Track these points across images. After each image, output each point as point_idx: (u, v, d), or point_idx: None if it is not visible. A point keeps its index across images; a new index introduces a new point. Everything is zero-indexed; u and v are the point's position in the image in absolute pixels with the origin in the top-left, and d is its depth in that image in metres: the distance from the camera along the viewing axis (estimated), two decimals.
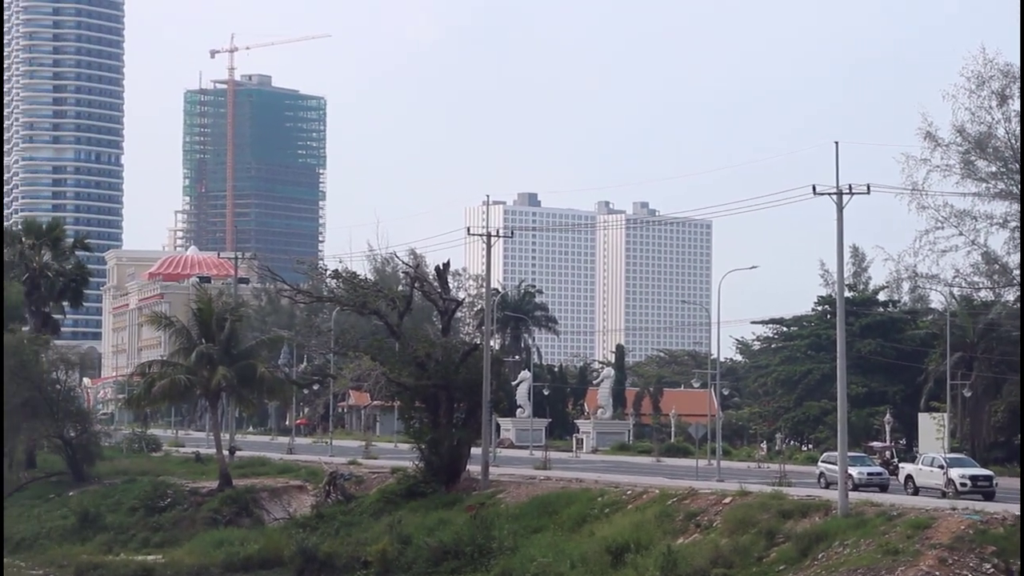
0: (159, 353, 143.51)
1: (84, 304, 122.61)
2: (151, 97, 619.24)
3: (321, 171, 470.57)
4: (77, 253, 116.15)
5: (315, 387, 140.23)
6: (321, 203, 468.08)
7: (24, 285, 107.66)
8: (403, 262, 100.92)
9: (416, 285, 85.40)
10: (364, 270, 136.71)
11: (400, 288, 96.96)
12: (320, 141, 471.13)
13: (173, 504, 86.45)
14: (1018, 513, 53.64)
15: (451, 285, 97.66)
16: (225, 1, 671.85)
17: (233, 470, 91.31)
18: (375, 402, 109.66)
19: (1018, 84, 79.94)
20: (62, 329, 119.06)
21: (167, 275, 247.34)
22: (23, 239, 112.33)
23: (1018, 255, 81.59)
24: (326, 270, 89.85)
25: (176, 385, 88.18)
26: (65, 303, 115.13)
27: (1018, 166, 79.66)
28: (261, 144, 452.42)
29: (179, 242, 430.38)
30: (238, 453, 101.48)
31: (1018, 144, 79.56)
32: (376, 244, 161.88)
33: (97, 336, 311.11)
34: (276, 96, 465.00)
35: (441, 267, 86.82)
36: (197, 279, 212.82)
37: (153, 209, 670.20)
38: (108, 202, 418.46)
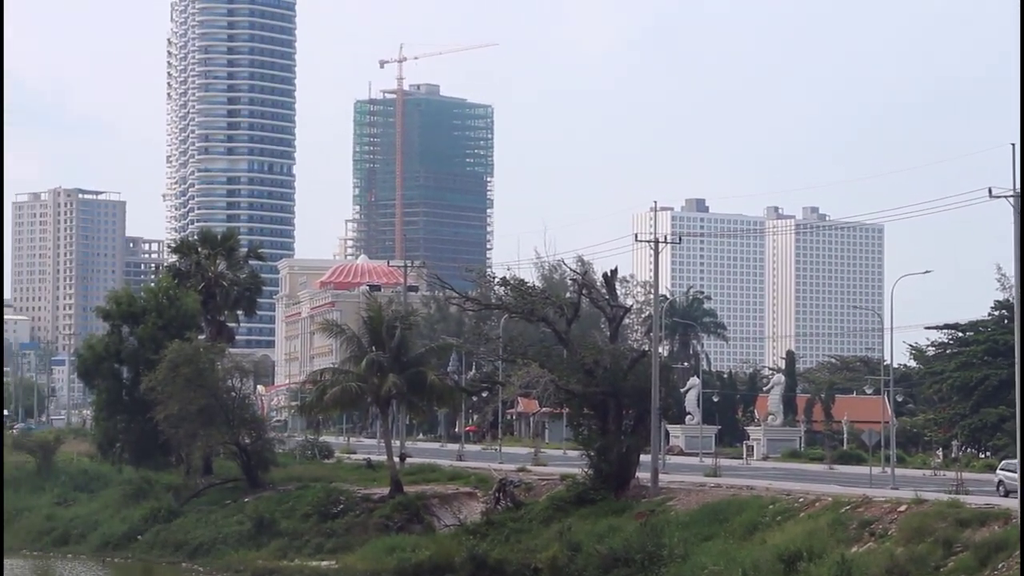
0: (331, 361, 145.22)
1: (258, 313, 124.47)
2: (322, 108, 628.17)
3: (489, 179, 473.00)
4: (251, 262, 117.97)
5: (484, 394, 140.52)
6: (489, 211, 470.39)
7: (200, 294, 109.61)
8: (571, 269, 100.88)
9: (584, 292, 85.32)
10: (532, 277, 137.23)
11: (568, 295, 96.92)
12: (488, 149, 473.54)
13: (345, 510, 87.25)
14: None
15: (619, 292, 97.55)
16: (394, 12, 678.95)
17: (404, 476, 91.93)
18: (544, 409, 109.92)
19: None
20: (237, 337, 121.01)
21: (338, 284, 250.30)
22: (199, 249, 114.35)
23: None
24: (494, 277, 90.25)
25: (347, 392, 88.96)
26: (239, 312, 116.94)
27: None
28: (429, 153, 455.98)
29: (349, 251, 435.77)
30: (408, 460, 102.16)
31: None
32: (544, 251, 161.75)
33: (270, 344, 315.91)
34: (444, 105, 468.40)
35: (609, 274, 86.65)
36: (367, 287, 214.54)
37: (324, 218, 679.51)
38: (280, 212, 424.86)
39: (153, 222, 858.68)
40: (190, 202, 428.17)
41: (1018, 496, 57.42)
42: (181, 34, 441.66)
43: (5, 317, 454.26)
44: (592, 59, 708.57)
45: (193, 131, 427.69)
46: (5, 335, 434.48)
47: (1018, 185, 56.70)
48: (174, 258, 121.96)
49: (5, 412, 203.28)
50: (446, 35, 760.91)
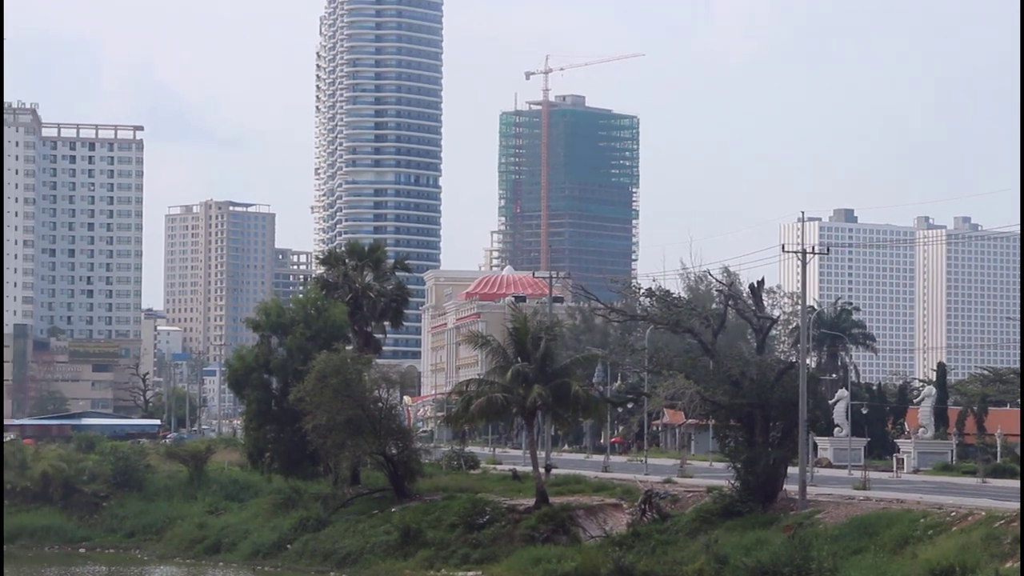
0: (476, 371, 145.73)
1: (404, 324, 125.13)
2: (467, 119, 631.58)
3: (634, 190, 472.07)
4: (397, 274, 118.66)
5: (629, 405, 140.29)
6: (634, 222, 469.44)
7: (347, 305, 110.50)
8: (717, 280, 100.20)
9: (730, 303, 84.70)
10: (677, 288, 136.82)
11: (714, 306, 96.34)
12: (633, 160, 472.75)
13: (491, 521, 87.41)
14: None
15: (765, 303, 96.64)
16: (541, 24, 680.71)
17: (549, 488, 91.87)
18: (690, 420, 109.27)
19: None
20: (383, 348, 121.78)
21: (483, 295, 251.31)
22: (346, 261, 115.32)
23: None
24: (639, 288, 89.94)
25: (493, 403, 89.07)
26: (386, 323, 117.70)
27: None
28: (575, 164, 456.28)
29: (495, 262, 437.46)
30: (554, 471, 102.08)
31: None
32: (689, 262, 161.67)
33: (417, 355, 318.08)
34: (589, 116, 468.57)
35: (755, 284, 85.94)
36: (512, 298, 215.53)
37: (470, 229, 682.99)
38: (427, 223, 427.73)
39: (301, 234, 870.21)
40: (338, 214, 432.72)
41: None
42: (330, 47, 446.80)
43: (159, 328, 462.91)
44: (737, 68, 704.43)
45: (341, 143, 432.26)
46: (158, 345, 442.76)
47: None
48: (322, 270, 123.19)
49: (158, 421, 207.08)
50: (592, 46, 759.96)
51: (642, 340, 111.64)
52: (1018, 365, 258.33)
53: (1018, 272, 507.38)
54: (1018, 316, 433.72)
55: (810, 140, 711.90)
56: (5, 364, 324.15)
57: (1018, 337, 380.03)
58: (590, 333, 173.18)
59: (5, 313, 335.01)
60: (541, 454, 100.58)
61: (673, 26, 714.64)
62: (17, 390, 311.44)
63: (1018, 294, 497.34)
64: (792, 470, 79.99)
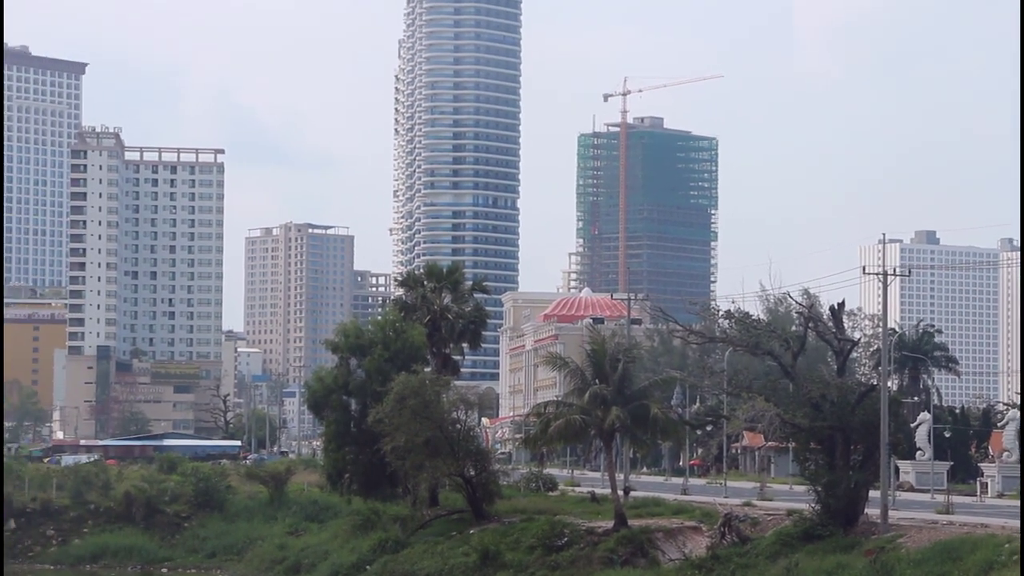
0: (554, 393, 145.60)
1: (482, 345, 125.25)
2: (545, 142, 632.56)
3: (713, 211, 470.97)
4: (475, 296, 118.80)
5: (708, 428, 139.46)
6: (713, 243, 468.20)
7: (426, 327, 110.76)
8: (796, 302, 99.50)
9: (810, 325, 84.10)
10: (757, 310, 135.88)
11: (793, 328, 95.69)
12: (712, 181, 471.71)
13: (570, 543, 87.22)
14: None
15: (846, 325, 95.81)
16: (618, 46, 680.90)
17: (628, 510, 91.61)
18: (769, 443, 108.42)
19: None
20: (462, 370, 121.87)
21: (561, 316, 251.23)
22: (425, 282, 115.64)
23: None
24: (718, 311, 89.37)
25: (571, 425, 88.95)
26: (464, 344, 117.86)
27: None
28: (653, 185, 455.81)
29: (573, 284, 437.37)
30: (633, 493, 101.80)
31: None
32: (769, 284, 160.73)
33: (495, 377, 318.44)
34: (668, 137, 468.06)
35: (836, 307, 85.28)
36: (590, 320, 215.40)
37: (548, 251, 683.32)
38: (505, 245, 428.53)
39: (380, 256, 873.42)
40: (416, 236, 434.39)
41: None
42: (408, 70, 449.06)
43: (239, 350, 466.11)
44: (818, 88, 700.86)
45: (419, 166, 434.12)
46: (238, 367, 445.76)
47: None
48: (401, 291, 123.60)
49: (238, 443, 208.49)
50: (670, 68, 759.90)
51: (721, 362, 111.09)
52: None
53: None
54: None
55: (891, 161, 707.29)
56: (88, 385, 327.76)
57: None
58: (668, 355, 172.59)
59: (88, 335, 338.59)
60: (619, 476, 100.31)
61: (753, 47, 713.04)
62: (100, 411, 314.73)
63: None
64: (874, 494, 79.30)
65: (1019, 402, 79.20)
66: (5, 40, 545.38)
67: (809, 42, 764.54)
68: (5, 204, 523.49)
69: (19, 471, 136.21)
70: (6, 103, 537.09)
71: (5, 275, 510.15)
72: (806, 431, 79.25)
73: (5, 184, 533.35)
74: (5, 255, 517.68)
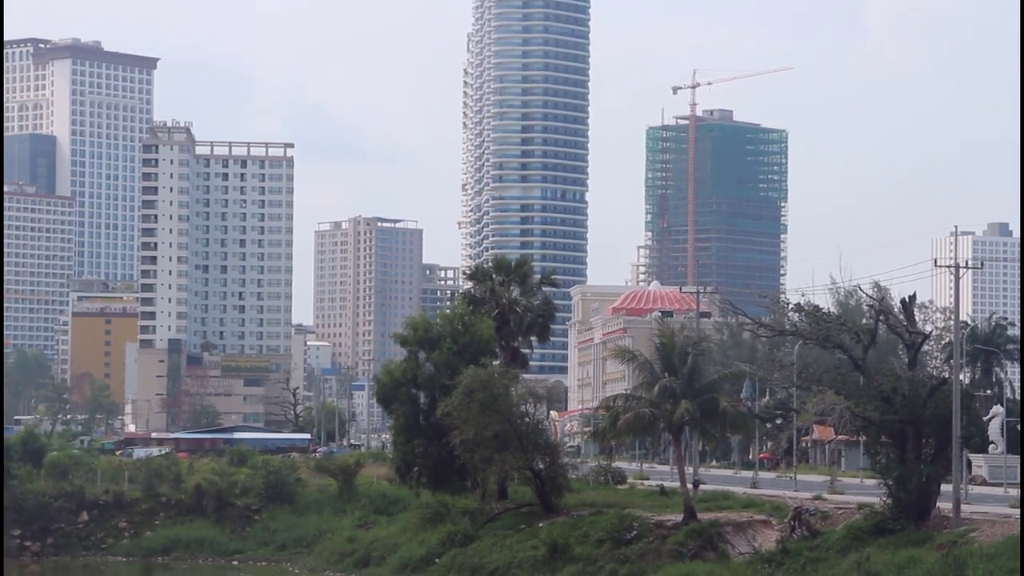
0: (623, 387, 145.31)
1: (551, 339, 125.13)
2: (614, 135, 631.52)
3: (782, 204, 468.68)
4: (544, 289, 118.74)
5: (778, 421, 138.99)
6: (782, 236, 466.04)
7: (494, 320, 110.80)
8: (867, 295, 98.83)
9: (881, 318, 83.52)
10: (827, 303, 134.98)
11: (864, 321, 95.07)
12: (781, 174, 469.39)
13: (639, 536, 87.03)
14: None
15: (917, 318, 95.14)
16: (687, 39, 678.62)
17: (697, 503, 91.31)
18: (839, 437, 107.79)
19: None
20: (530, 363, 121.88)
21: (630, 310, 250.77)
22: (493, 276, 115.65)
23: None
24: (788, 303, 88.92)
25: (640, 419, 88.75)
26: (533, 338, 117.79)
27: None
28: (722, 178, 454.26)
29: (641, 277, 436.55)
30: (702, 486, 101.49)
31: None
32: (839, 277, 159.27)
33: (563, 370, 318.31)
34: (737, 130, 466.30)
35: (907, 299, 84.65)
36: (659, 313, 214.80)
37: (616, 244, 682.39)
38: (573, 238, 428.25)
39: (449, 249, 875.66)
40: (484, 229, 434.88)
41: None
42: (477, 64, 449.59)
43: (308, 343, 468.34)
44: (889, 79, 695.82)
45: (488, 159, 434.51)
46: (308, 360, 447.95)
47: None
48: (469, 285, 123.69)
49: (308, 436, 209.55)
50: (740, 60, 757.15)
51: (791, 355, 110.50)
52: None
53: None
54: None
55: (963, 152, 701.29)
56: (160, 378, 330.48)
57: None
58: (737, 348, 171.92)
59: (159, 328, 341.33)
60: (689, 470, 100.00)
61: (823, 38, 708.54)
62: (171, 404, 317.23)
63: None
64: (945, 487, 78.70)
65: (1019, 398, 78.48)
66: (78, 37, 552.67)
67: (881, 32, 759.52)
68: (78, 199, 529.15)
69: (92, 464, 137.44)
70: (79, 98, 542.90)
71: (78, 269, 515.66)
72: (877, 424, 78.74)
73: (78, 179, 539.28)
74: (78, 249, 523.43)
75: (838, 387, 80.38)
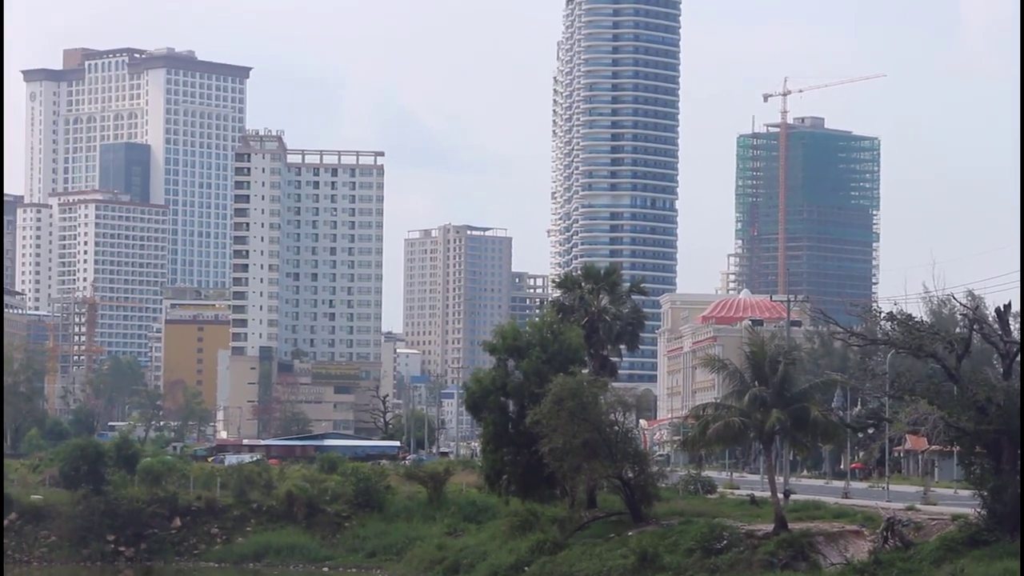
0: (712, 395, 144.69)
1: (640, 347, 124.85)
2: (704, 143, 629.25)
3: (874, 212, 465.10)
4: (633, 297, 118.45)
5: (870, 431, 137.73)
6: (874, 244, 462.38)
7: (583, 329, 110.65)
8: (961, 304, 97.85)
9: (975, 327, 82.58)
10: (919, 312, 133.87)
11: (958, 330, 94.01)
12: (874, 182, 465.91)
13: (729, 546, 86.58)
14: None
15: (1012, 327, 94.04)
16: (778, 46, 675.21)
17: (788, 513, 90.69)
18: (933, 447, 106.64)
19: None
20: (619, 372, 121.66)
21: (720, 318, 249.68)
22: (582, 284, 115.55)
23: None
24: (880, 312, 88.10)
25: (730, 428, 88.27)
26: (622, 346, 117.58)
27: None
28: (813, 186, 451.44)
29: (731, 285, 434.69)
30: (793, 496, 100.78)
31: None
32: (932, 286, 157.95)
33: (652, 378, 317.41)
34: (829, 138, 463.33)
35: (1002, 308, 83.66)
36: (749, 322, 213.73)
37: (706, 253, 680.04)
38: (662, 247, 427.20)
39: (538, 257, 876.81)
40: (574, 237, 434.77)
41: None
42: (567, 72, 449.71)
43: (398, 351, 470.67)
44: (983, 85, 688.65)
45: (577, 167, 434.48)
46: (397, 368, 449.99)
47: None
48: (558, 293, 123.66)
49: (398, 443, 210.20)
50: (831, 67, 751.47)
51: (883, 365, 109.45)
52: None
53: None
54: None
55: None
56: (251, 385, 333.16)
57: None
58: (829, 357, 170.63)
59: (250, 336, 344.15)
60: (779, 479, 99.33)
61: (916, 44, 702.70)
62: (262, 411, 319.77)
63: None
64: None
65: (1020, 403, 77.05)
66: (172, 46, 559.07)
67: (976, 38, 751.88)
68: (172, 208, 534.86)
69: (185, 470, 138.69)
70: (173, 107, 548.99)
71: (171, 276, 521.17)
72: (971, 435, 77.82)
73: (172, 188, 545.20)
74: (171, 257, 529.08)
75: (931, 397, 79.53)
